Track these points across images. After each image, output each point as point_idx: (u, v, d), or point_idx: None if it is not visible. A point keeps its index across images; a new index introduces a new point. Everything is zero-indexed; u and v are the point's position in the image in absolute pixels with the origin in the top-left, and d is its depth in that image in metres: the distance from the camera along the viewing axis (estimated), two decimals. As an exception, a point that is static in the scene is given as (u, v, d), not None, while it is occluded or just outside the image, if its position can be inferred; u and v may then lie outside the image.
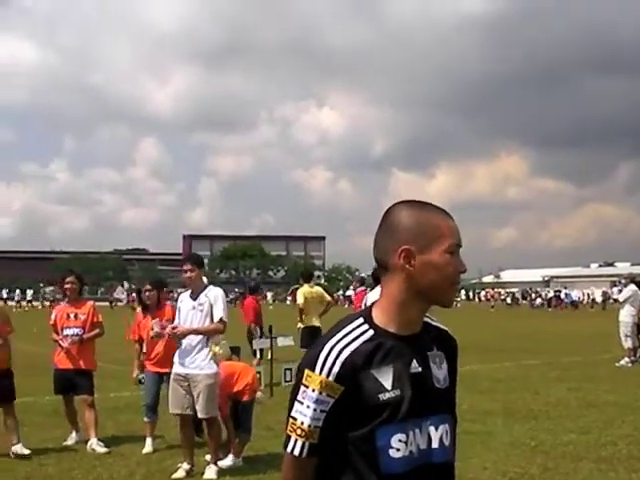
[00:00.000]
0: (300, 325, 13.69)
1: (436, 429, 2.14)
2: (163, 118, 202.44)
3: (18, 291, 67.67)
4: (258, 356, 14.12)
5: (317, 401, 2.05)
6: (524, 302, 71.64)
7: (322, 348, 2.09)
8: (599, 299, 62.34)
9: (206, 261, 57.12)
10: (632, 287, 17.33)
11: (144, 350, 8.77)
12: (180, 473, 7.40)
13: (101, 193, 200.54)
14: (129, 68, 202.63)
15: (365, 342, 2.10)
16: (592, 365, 16.73)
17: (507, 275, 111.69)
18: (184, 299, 7.62)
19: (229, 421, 7.83)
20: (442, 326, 2.33)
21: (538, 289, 76.00)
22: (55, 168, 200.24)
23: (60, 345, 8.77)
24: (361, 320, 2.16)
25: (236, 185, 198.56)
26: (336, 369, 2.05)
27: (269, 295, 76.70)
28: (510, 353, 19.73)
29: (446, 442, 2.16)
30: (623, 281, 18.59)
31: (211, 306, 7.40)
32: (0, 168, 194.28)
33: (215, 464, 7.46)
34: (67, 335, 8.74)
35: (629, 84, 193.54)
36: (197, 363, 7.35)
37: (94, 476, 7.46)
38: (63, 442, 8.83)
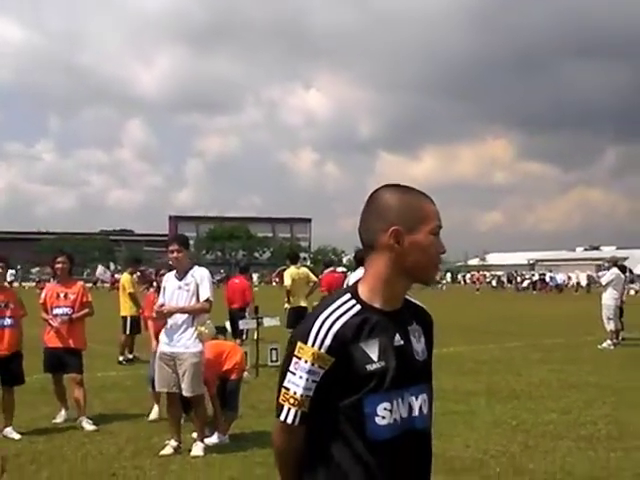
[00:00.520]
0: (287, 306, 13.77)
1: (416, 399, 2.28)
2: (149, 99, 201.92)
3: (12, 271, 67.22)
4: (244, 337, 14.21)
5: (309, 372, 2.17)
6: (509, 285, 72.01)
7: (314, 321, 2.21)
8: (584, 283, 62.64)
9: (192, 242, 57.06)
10: (614, 270, 17.51)
11: None
12: (168, 450, 7.51)
13: (88, 174, 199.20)
14: (115, 48, 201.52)
15: (353, 316, 2.22)
16: (575, 347, 16.95)
17: (493, 258, 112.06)
18: (169, 279, 7.67)
19: (216, 399, 7.95)
20: (419, 303, 2.47)
21: (523, 272, 76.36)
22: (41, 148, 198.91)
23: (50, 324, 8.84)
24: (348, 296, 2.28)
25: (222, 166, 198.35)
26: (328, 341, 2.17)
27: (255, 276, 76.70)
28: (494, 335, 19.94)
29: (425, 410, 2.31)
30: (606, 264, 18.77)
31: (197, 286, 7.50)
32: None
33: (202, 441, 7.58)
34: (57, 314, 8.81)
35: (610, 68, 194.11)
36: (183, 342, 7.43)
37: (83, 453, 7.56)
38: (52, 420, 8.93)
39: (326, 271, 15.01)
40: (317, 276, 15.06)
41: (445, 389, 10.15)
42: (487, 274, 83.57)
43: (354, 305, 2.25)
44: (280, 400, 2.24)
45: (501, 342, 18.08)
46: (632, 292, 46.23)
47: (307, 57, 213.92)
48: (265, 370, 12.40)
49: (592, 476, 6.75)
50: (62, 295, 8.88)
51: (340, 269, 25.25)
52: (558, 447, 7.71)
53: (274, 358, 13.14)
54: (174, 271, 7.69)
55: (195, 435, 7.69)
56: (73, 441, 8.05)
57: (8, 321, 8.32)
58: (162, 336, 7.63)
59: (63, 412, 9.03)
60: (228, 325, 13.19)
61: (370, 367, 2.18)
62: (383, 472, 2.18)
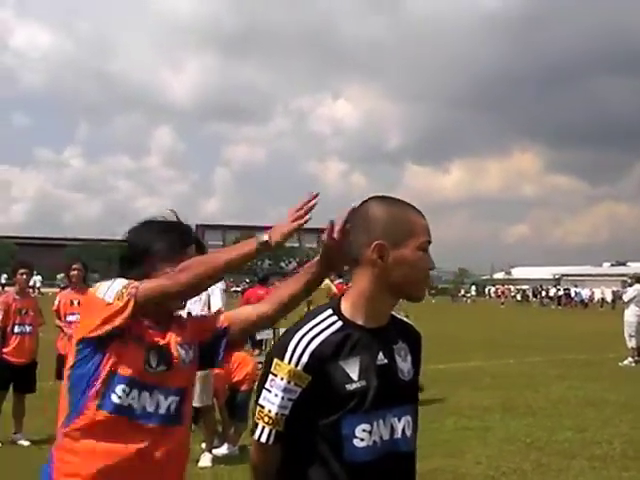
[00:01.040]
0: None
1: (399, 420, 2.19)
2: (178, 106, 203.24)
3: (39, 277, 67.24)
4: (263, 347, 14.14)
5: (285, 390, 2.10)
6: (534, 299, 71.49)
7: (292, 338, 2.13)
8: (609, 298, 62.03)
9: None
10: (637, 287, 17.25)
11: None
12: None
13: (115, 180, 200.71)
14: (145, 55, 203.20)
15: (333, 333, 2.14)
16: (595, 364, 16.71)
17: (518, 272, 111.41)
18: None
19: (224, 410, 7.90)
20: (407, 320, 2.39)
21: (548, 287, 75.78)
22: (69, 154, 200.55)
23: (63, 331, 8.90)
24: (330, 311, 2.20)
25: (250, 175, 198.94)
26: (305, 359, 2.09)
27: (278, 286, 76.65)
28: (515, 350, 19.72)
29: (408, 433, 2.22)
30: (629, 281, 18.52)
31: (208, 296, 7.47)
32: (15, 153, 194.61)
33: (210, 452, 7.54)
34: (70, 321, 8.83)
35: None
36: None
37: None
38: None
39: (336, 282, 14.93)
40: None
41: (461, 405, 10.05)
42: (512, 288, 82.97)
43: (335, 321, 2.17)
44: (255, 418, 2.17)
45: (521, 357, 17.87)
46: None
47: (337, 67, 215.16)
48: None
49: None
50: (76, 302, 8.90)
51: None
52: (571, 466, 7.57)
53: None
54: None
55: (204, 445, 7.65)
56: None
57: (28, 328, 8.48)
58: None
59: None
60: None
61: (350, 387, 2.10)
62: None
